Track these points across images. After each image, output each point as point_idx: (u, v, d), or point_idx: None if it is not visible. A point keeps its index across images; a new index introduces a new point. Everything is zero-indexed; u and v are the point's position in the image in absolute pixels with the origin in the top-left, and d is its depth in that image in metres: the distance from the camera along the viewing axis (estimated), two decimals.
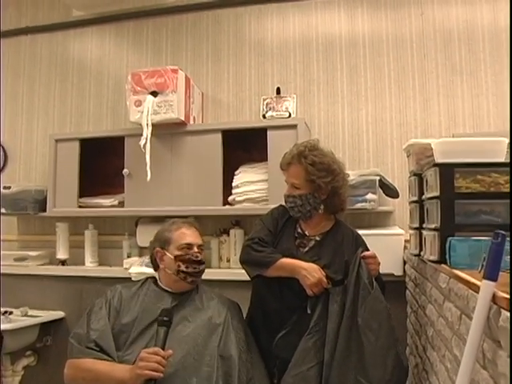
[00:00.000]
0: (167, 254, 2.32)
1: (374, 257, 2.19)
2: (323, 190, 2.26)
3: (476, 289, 1.31)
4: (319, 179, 2.24)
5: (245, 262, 2.37)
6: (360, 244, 2.32)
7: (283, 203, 2.41)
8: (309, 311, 2.17)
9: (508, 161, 1.85)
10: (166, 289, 2.32)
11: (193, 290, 2.36)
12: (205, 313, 2.28)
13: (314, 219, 2.36)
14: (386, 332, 2.03)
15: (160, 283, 2.36)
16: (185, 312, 2.25)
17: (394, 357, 2.00)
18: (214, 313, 2.29)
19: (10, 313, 3.42)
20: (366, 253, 2.17)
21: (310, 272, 2.15)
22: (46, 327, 3.55)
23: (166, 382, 1.98)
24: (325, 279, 2.15)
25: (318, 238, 2.35)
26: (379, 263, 2.22)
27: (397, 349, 2.03)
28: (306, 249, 2.34)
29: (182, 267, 2.28)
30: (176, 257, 2.29)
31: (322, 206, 2.32)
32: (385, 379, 1.96)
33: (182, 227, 2.38)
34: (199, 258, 2.32)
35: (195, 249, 2.33)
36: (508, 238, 1.28)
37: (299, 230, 2.40)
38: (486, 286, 1.22)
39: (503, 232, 1.24)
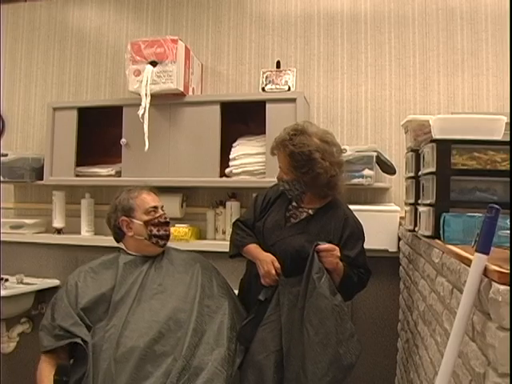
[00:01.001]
0: (134, 220, 2.36)
1: (329, 250, 2.13)
2: (305, 178, 2.27)
3: (468, 263, 1.32)
4: (297, 169, 2.26)
5: (230, 240, 2.50)
6: (348, 227, 2.32)
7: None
8: (261, 298, 2.21)
9: (506, 139, 1.86)
10: (137, 254, 2.37)
11: (164, 251, 2.43)
12: (182, 268, 2.36)
13: (306, 198, 2.39)
14: (327, 329, 2.03)
15: (128, 251, 2.40)
16: (162, 271, 2.32)
17: (330, 355, 2.01)
18: (189, 267, 2.37)
19: (6, 280, 3.44)
20: (320, 246, 2.12)
21: (262, 263, 2.21)
22: (41, 295, 3.57)
23: (165, 339, 2.05)
24: (273, 272, 2.18)
25: (310, 212, 2.37)
26: (338, 256, 2.15)
27: (337, 347, 2.02)
28: (297, 220, 2.37)
29: (154, 231, 2.34)
30: (145, 222, 2.35)
31: (310, 190, 2.34)
32: (318, 375, 1.99)
33: (142, 193, 2.43)
34: (167, 220, 2.41)
35: (160, 211, 2.41)
36: (504, 215, 1.29)
37: (294, 203, 2.41)
38: (478, 259, 1.24)
39: (497, 206, 1.25)
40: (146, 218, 2.36)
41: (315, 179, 2.26)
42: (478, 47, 3.30)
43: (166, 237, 2.40)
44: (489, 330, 1.15)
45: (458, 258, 1.48)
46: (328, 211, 2.36)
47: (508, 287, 1.08)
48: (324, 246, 2.12)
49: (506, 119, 1.93)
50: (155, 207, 2.39)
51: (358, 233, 2.34)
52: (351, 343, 2.08)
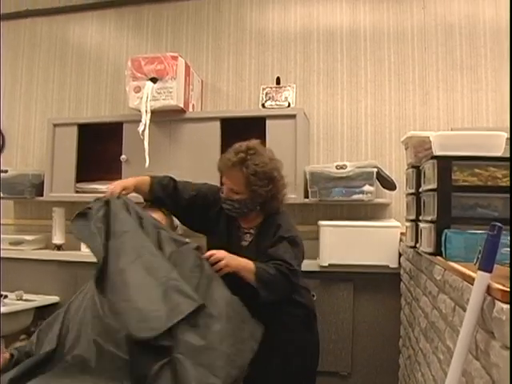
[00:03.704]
0: None
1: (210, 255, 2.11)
2: (262, 197, 2.27)
3: (471, 280, 1.32)
4: (260, 188, 2.25)
5: None
6: (279, 231, 2.27)
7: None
8: None
9: (506, 155, 1.86)
10: None
11: None
12: None
13: (249, 217, 2.38)
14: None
15: None
16: None
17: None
18: None
19: (5, 296, 3.42)
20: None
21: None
22: (40, 312, 3.54)
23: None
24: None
25: (252, 231, 2.38)
26: (220, 259, 2.10)
27: None
28: (246, 243, 2.36)
29: None
30: None
31: (258, 207, 2.34)
32: None
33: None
34: None
35: None
36: (505, 232, 1.29)
37: (235, 222, 2.41)
38: (481, 277, 1.23)
39: (500, 224, 1.24)
40: None
41: (274, 195, 2.30)
42: (477, 62, 3.31)
43: None
44: (493, 349, 1.14)
45: (460, 276, 1.47)
46: (266, 226, 2.35)
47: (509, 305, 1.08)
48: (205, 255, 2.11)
49: (506, 135, 1.93)
50: None
51: (287, 237, 2.26)
52: None
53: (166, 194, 2.42)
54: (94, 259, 3.46)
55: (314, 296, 3.07)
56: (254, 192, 2.25)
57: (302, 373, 2.31)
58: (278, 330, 2.23)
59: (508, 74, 3.20)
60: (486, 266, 1.23)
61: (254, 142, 2.35)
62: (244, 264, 2.13)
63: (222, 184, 2.39)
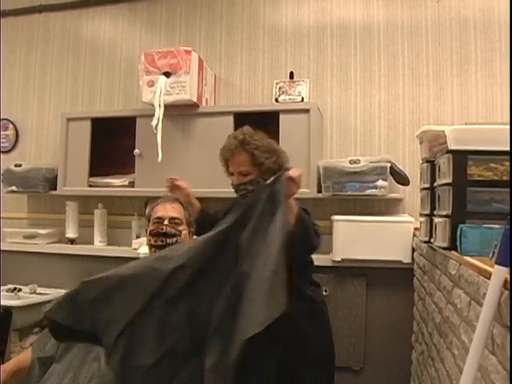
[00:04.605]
0: (147, 230, 2.36)
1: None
2: (270, 170, 2.30)
3: (487, 275, 1.31)
4: (266, 160, 2.33)
5: None
6: None
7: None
8: None
9: None
10: None
11: None
12: None
13: None
14: None
15: None
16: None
17: None
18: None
19: (19, 290, 3.45)
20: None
21: None
22: None
23: None
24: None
25: None
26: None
27: None
28: None
29: (152, 241, 2.29)
30: (150, 232, 2.32)
31: None
32: None
33: (159, 203, 2.40)
34: (164, 231, 2.27)
35: (165, 222, 2.30)
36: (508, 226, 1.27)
37: None
38: (498, 272, 1.22)
39: None
40: (150, 228, 2.32)
41: (282, 167, 2.34)
42: (492, 57, 3.29)
43: (162, 247, 2.27)
44: (510, 344, 1.13)
45: (476, 270, 1.46)
46: None
47: None
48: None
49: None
50: (160, 218, 2.32)
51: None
52: None
53: (208, 222, 2.39)
54: (106, 253, 3.50)
55: (326, 291, 3.09)
56: (261, 166, 2.32)
57: (308, 366, 2.28)
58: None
59: (508, 71, 3.18)
60: (503, 260, 1.22)
61: (247, 127, 2.45)
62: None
63: (230, 175, 2.45)
